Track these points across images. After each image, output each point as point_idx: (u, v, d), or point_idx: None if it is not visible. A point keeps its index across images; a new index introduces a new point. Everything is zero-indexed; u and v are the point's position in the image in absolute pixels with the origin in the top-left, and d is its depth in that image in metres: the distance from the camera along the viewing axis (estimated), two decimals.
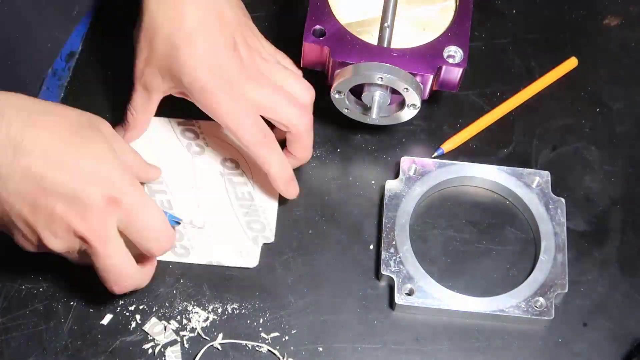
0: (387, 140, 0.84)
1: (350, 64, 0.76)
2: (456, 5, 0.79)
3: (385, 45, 0.77)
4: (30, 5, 0.82)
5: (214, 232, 0.78)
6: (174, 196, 0.79)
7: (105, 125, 0.69)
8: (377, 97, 0.77)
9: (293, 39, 0.90)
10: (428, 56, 0.76)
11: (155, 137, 0.82)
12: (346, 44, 0.76)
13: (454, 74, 0.77)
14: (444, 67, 0.76)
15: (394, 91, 0.77)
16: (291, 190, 0.78)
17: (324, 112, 0.85)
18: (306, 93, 0.77)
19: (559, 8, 0.93)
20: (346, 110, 0.80)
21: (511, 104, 0.86)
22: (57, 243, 0.66)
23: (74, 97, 0.85)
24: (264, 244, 0.77)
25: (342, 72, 0.76)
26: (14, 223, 0.66)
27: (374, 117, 0.77)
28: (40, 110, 0.66)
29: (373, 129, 0.81)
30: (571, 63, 0.88)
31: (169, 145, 0.82)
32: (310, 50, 0.77)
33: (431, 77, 0.76)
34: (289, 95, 0.76)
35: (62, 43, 0.87)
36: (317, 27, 0.77)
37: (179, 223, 0.75)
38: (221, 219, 0.78)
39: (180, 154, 0.81)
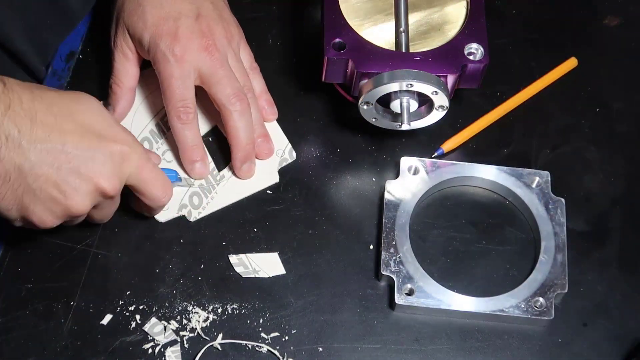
0: (387, 140, 0.84)
1: (376, 73, 0.75)
2: (467, 2, 0.79)
3: (403, 50, 0.77)
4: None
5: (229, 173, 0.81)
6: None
7: (95, 100, 0.72)
8: (406, 104, 0.76)
9: (292, 40, 0.90)
10: (450, 56, 0.76)
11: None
12: (367, 54, 0.75)
13: (477, 70, 0.76)
14: (468, 65, 0.76)
15: (419, 94, 0.77)
16: (196, 171, 0.80)
17: (325, 112, 0.85)
18: (241, 80, 0.79)
19: (559, 8, 0.93)
20: (374, 120, 0.79)
21: (511, 104, 0.86)
22: (83, 200, 0.68)
23: None
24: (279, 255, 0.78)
25: (370, 83, 0.75)
26: (37, 194, 0.67)
27: (406, 123, 0.76)
28: (37, 86, 0.69)
29: (373, 129, 0.81)
30: (571, 63, 0.88)
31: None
32: (332, 64, 0.76)
33: (456, 76, 0.76)
34: (231, 74, 0.77)
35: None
36: (337, 40, 0.76)
37: (180, 179, 0.79)
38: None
39: None
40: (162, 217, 0.79)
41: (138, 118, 0.83)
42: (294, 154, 0.82)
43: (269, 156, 0.82)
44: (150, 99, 0.83)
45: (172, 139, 0.80)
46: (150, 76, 0.81)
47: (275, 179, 0.81)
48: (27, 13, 0.83)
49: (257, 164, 0.81)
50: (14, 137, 0.65)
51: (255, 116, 0.80)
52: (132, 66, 0.80)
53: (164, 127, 0.82)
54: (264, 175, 0.81)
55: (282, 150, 0.82)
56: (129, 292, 0.75)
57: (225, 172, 0.81)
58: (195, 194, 0.80)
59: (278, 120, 0.84)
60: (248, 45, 0.83)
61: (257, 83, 0.83)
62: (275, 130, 0.83)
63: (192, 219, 0.79)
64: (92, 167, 0.68)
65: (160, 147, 0.82)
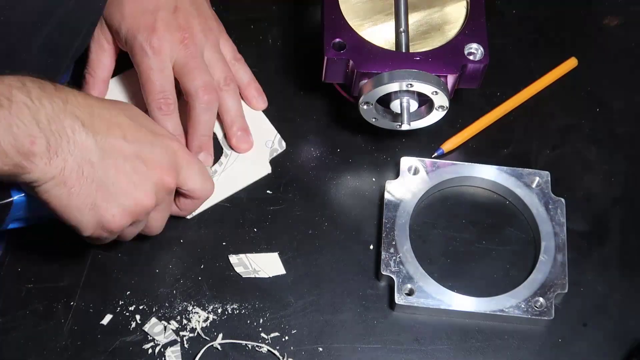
0: (387, 140, 0.84)
1: (376, 73, 0.75)
2: (467, 2, 0.79)
3: (403, 50, 0.77)
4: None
5: (220, 168, 0.81)
6: None
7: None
8: (406, 104, 0.76)
9: (292, 40, 0.90)
10: (450, 56, 0.76)
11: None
12: (367, 54, 0.75)
13: (477, 70, 0.76)
14: (468, 65, 0.76)
15: (419, 94, 0.76)
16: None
17: (325, 112, 0.85)
18: (222, 71, 0.79)
19: (559, 8, 0.93)
20: (374, 120, 0.79)
21: (511, 104, 0.86)
22: (151, 191, 0.69)
23: None
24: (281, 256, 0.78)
25: (370, 83, 0.75)
26: (109, 188, 0.66)
27: (406, 123, 0.76)
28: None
29: (373, 129, 0.81)
30: (571, 63, 0.88)
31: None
32: (332, 64, 0.76)
33: (456, 76, 0.76)
34: (203, 66, 0.77)
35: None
36: (337, 40, 0.76)
37: None
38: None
39: None
40: None
41: None
42: (284, 143, 0.82)
43: (247, 150, 0.81)
44: (135, 100, 0.83)
45: None
46: (134, 75, 0.81)
47: (267, 169, 0.81)
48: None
49: (248, 157, 0.81)
50: (78, 130, 0.64)
51: (236, 108, 0.80)
52: (106, 57, 0.80)
53: None
54: (255, 167, 0.81)
55: (272, 141, 0.82)
56: (129, 292, 0.75)
57: (217, 167, 0.81)
58: None
59: (278, 119, 0.83)
60: (230, 39, 0.83)
61: (244, 73, 0.83)
62: (262, 121, 0.83)
63: (189, 216, 0.79)
64: (154, 158, 0.69)
65: None
